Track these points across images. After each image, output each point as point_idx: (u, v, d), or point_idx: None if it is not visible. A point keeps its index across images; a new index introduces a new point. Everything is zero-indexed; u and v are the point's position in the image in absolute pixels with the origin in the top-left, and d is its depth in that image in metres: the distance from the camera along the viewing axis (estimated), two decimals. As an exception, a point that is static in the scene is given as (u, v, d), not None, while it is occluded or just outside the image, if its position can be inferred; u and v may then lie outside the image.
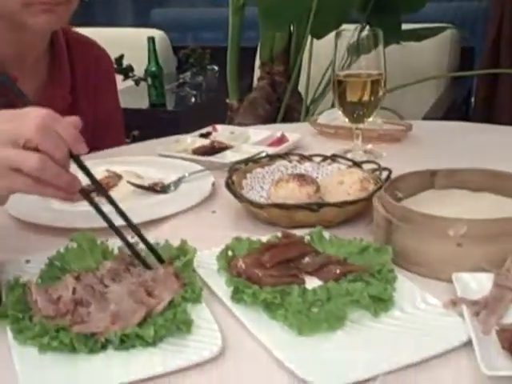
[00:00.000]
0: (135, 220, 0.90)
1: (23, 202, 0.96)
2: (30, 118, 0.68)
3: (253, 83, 2.76)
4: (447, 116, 2.27)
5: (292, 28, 2.27)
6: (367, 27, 1.21)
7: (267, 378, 0.59)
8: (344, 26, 2.03)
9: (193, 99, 3.07)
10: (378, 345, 0.61)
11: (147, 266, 0.74)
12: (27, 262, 0.79)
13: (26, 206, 0.95)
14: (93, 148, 1.31)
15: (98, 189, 0.79)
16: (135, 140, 1.84)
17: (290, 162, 1.03)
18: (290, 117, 2.20)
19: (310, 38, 2.10)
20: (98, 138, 1.35)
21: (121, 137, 1.52)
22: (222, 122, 1.37)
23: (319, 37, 2.05)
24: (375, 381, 0.56)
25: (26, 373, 0.58)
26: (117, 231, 0.75)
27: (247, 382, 0.59)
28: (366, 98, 1.10)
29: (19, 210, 0.95)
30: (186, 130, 1.36)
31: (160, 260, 0.75)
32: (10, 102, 0.74)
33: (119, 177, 1.06)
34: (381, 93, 1.10)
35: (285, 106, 2.18)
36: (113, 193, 1.03)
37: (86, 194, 0.74)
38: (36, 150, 0.68)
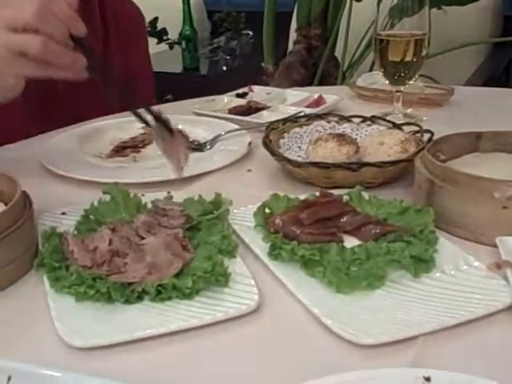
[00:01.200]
0: (169, 176, 0.90)
1: (58, 155, 0.96)
2: (27, 3, 0.70)
3: (287, 48, 2.72)
4: (487, 85, 2.21)
5: (331, -11, 2.22)
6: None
7: (304, 333, 0.58)
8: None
9: (226, 64, 3.04)
10: (419, 305, 0.59)
11: (146, 123, 0.81)
12: (63, 213, 0.79)
13: (61, 160, 0.95)
14: (123, 104, 1.31)
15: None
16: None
17: (329, 122, 1.01)
18: (326, 82, 2.16)
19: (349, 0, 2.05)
20: (129, 92, 1.35)
21: (150, 96, 1.51)
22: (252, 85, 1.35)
23: (360, -1, 2.01)
24: (416, 341, 0.55)
25: (62, 320, 0.57)
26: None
27: (284, 337, 0.58)
28: (408, 58, 1.07)
29: (54, 163, 0.95)
30: (220, 94, 1.34)
31: (168, 128, 0.81)
32: None
33: (155, 134, 1.05)
34: (424, 53, 1.07)
35: (321, 70, 2.13)
36: (149, 150, 1.03)
37: (92, 70, 0.76)
38: (36, 33, 0.70)
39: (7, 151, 1.07)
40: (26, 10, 0.69)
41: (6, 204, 0.73)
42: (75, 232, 0.72)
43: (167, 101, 2.63)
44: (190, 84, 2.83)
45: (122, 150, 1.02)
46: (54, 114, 1.17)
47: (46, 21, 0.70)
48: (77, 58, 0.74)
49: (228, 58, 3.09)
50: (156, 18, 2.87)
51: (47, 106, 1.18)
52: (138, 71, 1.42)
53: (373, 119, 1.01)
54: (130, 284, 0.60)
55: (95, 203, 0.76)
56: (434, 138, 0.89)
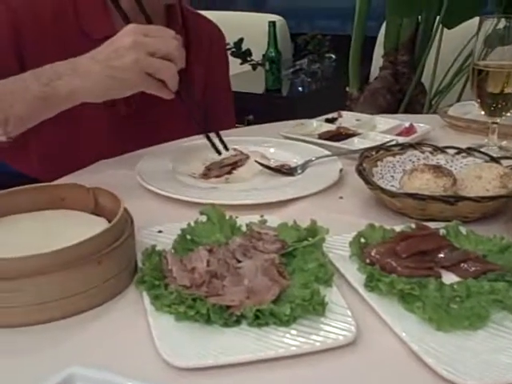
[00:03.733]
0: (260, 200, 0.91)
1: (151, 173, 0.99)
2: (168, 36, 0.94)
3: (370, 73, 2.71)
4: None
5: (420, 17, 2.20)
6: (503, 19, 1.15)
7: (402, 370, 0.57)
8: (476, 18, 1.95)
9: (308, 86, 3.05)
10: (522, 350, 0.57)
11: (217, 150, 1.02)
12: (159, 231, 0.81)
13: (155, 177, 0.98)
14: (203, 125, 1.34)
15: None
16: (249, 124, 1.85)
17: (422, 152, 1.00)
18: (412, 109, 2.14)
19: (440, 27, 2.02)
20: (209, 110, 1.37)
21: (231, 117, 1.52)
22: (338, 110, 1.34)
23: (450, 27, 1.98)
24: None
25: (161, 338, 0.59)
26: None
27: (381, 372, 0.57)
28: (508, 89, 1.04)
29: (148, 180, 0.97)
30: (301, 116, 1.34)
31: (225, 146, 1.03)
32: None
33: (247, 156, 1.07)
34: (525, 86, 1.04)
35: (408, 97, 2.11)
36: (240, 172, 1.04)
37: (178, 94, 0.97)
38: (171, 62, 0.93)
39: (102, 166, 1.11)
40: (167, 42, 0.92)
41: (107, 219, 0.76)
42: (172, 250, 0.73)
43: (248, 121, 2.67)
44: (271, 105, 2.85)
45: (214, 170, 1.04)
46: (140, 134, 1.21)
47: (181, 53, 0.94)
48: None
49: (309, 80, 3.10)
50: (241, 39, 2.91)
51: (131, 126, 1.22)
52: (218, 92, 1.43)
53: (468, 151, 0.99)
54: (229, 307, 0.61)
55: (192, 223, 0.77)
56: (534, 173, 0.87)
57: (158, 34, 0.93)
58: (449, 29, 2.01)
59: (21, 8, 1.11)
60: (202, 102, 1.36)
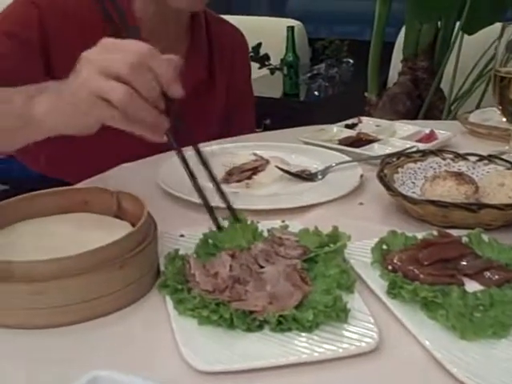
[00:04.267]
0: (282, 205, 0.91)
1: (172, 177, 0.99)
2: (128, 53, 0.68)
3: (387, 79, 2.70)
4: None
5: (440, 23, 2.19)
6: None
7: (424, 378, 0.57)
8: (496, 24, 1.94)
9: (325, 91, 3.05)
10: (547, 359, 0.57)
11: (218, 226, 0.78)
12: (181, 236, 0.81)
13: (176, 181, 0.98)
14: (224, 130, 1.34)
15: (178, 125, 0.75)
16: (266, 129, 1.85)
17: (444, 159, 0.99)
18: (431, 115, 2.13)
19: (460, 33, 2.01)
20: (230, 116, 1.37)
21: (252, 122, 1.53)
22: (356, 115, 1.34)
23: (471, 33, 1.97)
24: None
25: (185, 342, 0.59)
26: (198, 188, 0.80)
27: (403, 379, 0.57)
28: (531, 97, 1.04)
29: (169, 184, 0.97)
30: (319, 121, 1.34)
31: (235, 218, 0.79)
32: None
33: (267, 161, 1.07)
34: (548, 93, 1.03)
35: (428, 103, 2.10)
36: (260, 177, 1.05)
37: (171, 136, 0.74)
38: (124, 84, 0.68)
39: (123, 170, 1.12)
40: (123, 59, 0.67)
41: (130, 223, 0.77)
42: (194, 255, 0.74)
43: (265, 125, 2.68)
44: (288, 109, 2.85)
45: (234, 175, 1.04)
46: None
47: (139, 75, 0.67)
48: (160, 120, 0.70)
49: (327, 85, 3.09)
50: (259, 44, 2.92)
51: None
52: (241, 97, 1.44)
53: (490, 158, 0.98)
54: (251, 312, 0.61)
55: (214, 228, 0.78)
56: (557, 181, 0.86)
57: (120, 48, 0.70)
58: (469, 35, 2.00)
59: (48, 6, 1.12)
60: (224, 108, 1.37)
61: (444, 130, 1.23)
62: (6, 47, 1.09)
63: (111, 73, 0.68)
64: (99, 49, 0.71)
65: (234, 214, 0.79)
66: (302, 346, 0.58)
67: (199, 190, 0.79)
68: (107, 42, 0.71)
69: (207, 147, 1.18)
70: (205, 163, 0.81)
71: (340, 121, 1.32)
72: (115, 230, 0.72)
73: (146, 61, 0.68)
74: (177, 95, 0.71)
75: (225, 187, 1.00)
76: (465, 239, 0.76)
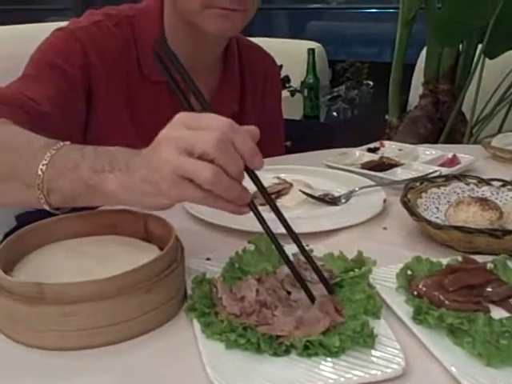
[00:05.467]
0: (305, 229, 0.92)
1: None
2: (211, 130, 0.64)
3: (408, 101, 2.71)
4: None
5: (461, 46, 2.20)
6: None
7: (451, 405, 0.57)
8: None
9: (345, 113, 3.06)
10: None
11: (311, 298, 0.69)
12: (207, 259, 0.82)
13: (203, 206, 0.99)
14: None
15: (269, 202, 0.74)
16: (287, 151, 1.85)
17: (467, 184, 1.00)
18: (452, 138, 2.13)
19: (481, 56, 2.02)
20: (260, 145, 1.38)
21: (281, 146, 1.53)
22: (376, 138, 1.35)
23: (492, 57, 1.97)
24: None
25: (212, 366, 0.60)
26: (281, 252, 0.71)
27: (430, 406, 0.57)
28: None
29: (198, 208, 0.99)
30: (339, 143, 1.35)
31: (328, 289, 0.70)
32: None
33: (290, 185, 1.08)
34: None
35: (449, 126, 2.10)
36: (284, 200, 1.05)
37: (254, 207, 0.71)
38: (210, 162, 0.64)
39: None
40: (207, 137, 0.64)
41: (158, 246, 0.78)
42: (221, 279, 0.75)
43: (286, 147, 2.69)
44: (309, 131, 2.86)
45: (258, 198, 1.05)
46: None
47: (225, 152, 0.64)
48: (243, 194, 0.68)
49: (347, 107, 3.11)
50: (280, 66, 2.94)
51: None
52: (272, 121, 1.44)
53: (514, 184, 0.99)
54: (278, 337, 0.62)
55: (240, 252, 0.79)
56: None
57: (201, 125, 0.66)
58: (490, 59, 2.01)
59: (90, 44, 1.13)
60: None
61: (467, 155, 1.24)
62: (48, 77, 1.08)
63: (195, 151, 0.64)
64: (178, 125, 0.67)
65: (328, 287, 0.71)
66: (329, 371, 0.59)
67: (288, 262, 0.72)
68: (185, 117, 0.67)
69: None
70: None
71: (360, 143, 1.33)
72: (143, 254, 0.74)
73: (230, 136, 0.65)
74: (259, 168, 0.69)
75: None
76: (490, 265, 0.76)
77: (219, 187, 0.65)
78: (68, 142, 0.77)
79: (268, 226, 0.71)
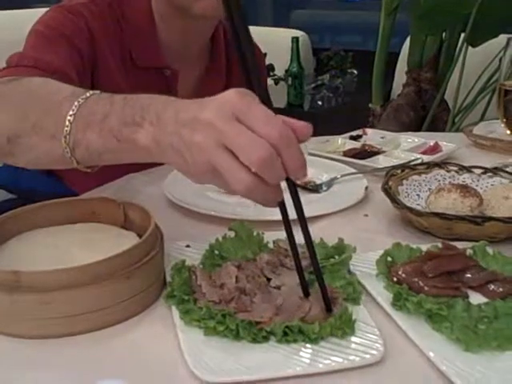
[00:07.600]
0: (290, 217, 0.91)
1: (179, 188, 1.00)
2: (261, 144, 0.56)
3: (392, 89, 2.71)
4: None
5: (444, 35, 2.20)
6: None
7: (429, 390, 0.57)
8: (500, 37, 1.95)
9: (329, 101, 3.06)
10: (551, 372, 0.57)
11: (306, 293, 0.67)
12: (187, 246, 0.82)
13: (182, 192, 0.99)
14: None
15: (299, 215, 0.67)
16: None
17: (448, 171, 1.00)
18: (435, 126, 2.14)
19: (464, 45, 2.02)
20: None
21: None
22: (360, 126, 1.35)
23: (475, 45, 1.98)
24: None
25: (191, 353, 0.59)
26: (295, 252, 0.68)
27: (408, 391, 0.58)
28: (535, 110, 1.04)
29: (175, 195, 0.98)
30: (323, 131, 1.34)
31: (327, 306, 0.65)
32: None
33: (272, 172, 1.07)
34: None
35: (432, 114, 2.11)
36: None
37: (282, 205, 0.66)
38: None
39: (130, 180, 1.13)
40: (255, 148, 0.56)
41: (137, 233, 0.77)
42: (200, 266, 0.74)
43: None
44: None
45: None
46: None
47: (269, 169, 0.56)
48: (278, 195, 0.62)
49: (331, 95, 3.10)
50: (264, 54, 2.93)
51: None
52: None
53: (495, 171, 0.99)
54: (257, 323, 0.62)
55: (220, 238, 0.78)
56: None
57: (255, 125, 0.56)
58: (473, 47, 2.02)
59: (92, 20, 1.12)
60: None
61: (448, 142, 1.24)
62: (61, 46, 1.06)
63: (238, 155, 0.57)
64: (227, 113, 0.57)
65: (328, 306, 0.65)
66: (308, 357, 0.59)
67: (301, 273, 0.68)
68: (239, 104, 0.57)
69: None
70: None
71: (344, 131, 1.33)
72: (122, 241, 0.73)
73: (280, 150, 0.56)
74: (302, 179, 0.65)
75: (228, 198, 1.01)
76: (469, 252, 0.76)
77: (251, 196, 0.60)
78: (98, 91, 0.71)
79: (290, 225, 0.67)
